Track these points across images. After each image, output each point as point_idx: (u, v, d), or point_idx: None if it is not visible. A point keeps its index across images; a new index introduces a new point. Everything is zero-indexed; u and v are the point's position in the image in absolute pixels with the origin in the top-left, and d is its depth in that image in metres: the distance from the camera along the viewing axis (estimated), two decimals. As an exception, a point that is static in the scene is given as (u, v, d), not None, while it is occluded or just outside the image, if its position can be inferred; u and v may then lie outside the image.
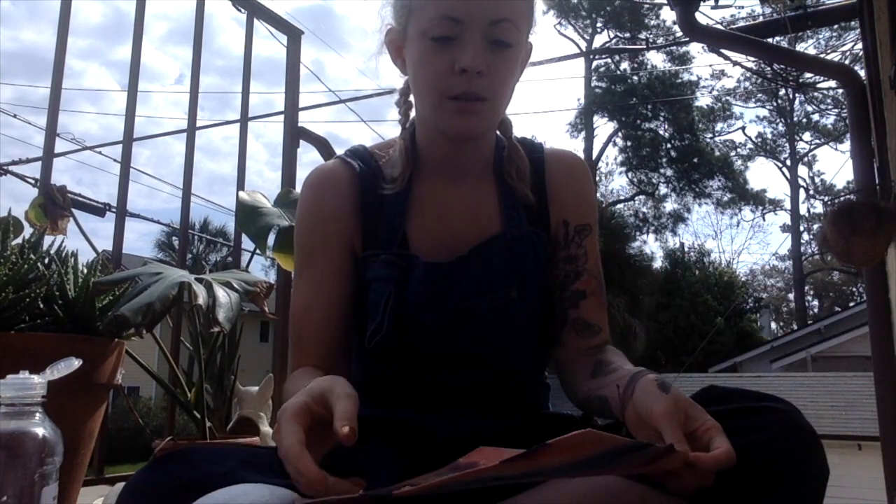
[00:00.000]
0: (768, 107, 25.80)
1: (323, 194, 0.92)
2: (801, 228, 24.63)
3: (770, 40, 3.50)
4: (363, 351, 0.89)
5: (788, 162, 25.73)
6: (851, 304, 21.30)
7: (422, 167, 0.93)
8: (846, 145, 18.32)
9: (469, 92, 0.82)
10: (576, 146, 24.23)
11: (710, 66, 25.34)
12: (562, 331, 0.91)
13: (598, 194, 21.14)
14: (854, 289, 26.91)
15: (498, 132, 0.96)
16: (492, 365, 0.87)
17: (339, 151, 0.98)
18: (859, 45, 2.96)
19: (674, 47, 23.05)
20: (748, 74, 21.33)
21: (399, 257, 0.87)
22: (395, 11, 0.90)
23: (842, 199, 2.12)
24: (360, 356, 0.92)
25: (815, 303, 29.73)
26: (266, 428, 1.62)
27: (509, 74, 0.86)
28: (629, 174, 24.87)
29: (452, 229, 0.90)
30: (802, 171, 25.93)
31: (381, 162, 0.94)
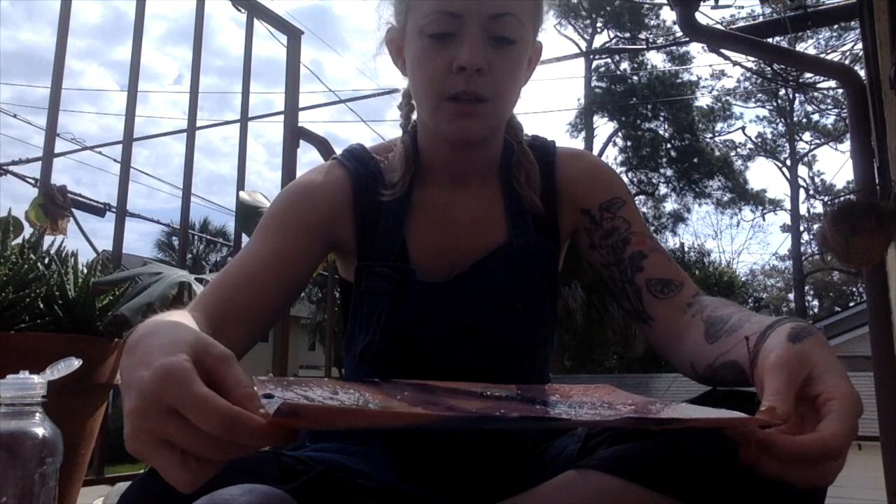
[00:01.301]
0: (768, 107, 25.80)
1: (317, 182, 0.86)
2: (801, 228, 24.62)
3: (770, 40, 3.50)
4: (357, 362, 0.84)
5: (788, 162, 25.72)
6: (851, 304, 21.28)
7: (423, 172, 0.88)
8: (846, 145, 18.30)
9: (468, 91, 0.77)
10: (576, 146, 24.17)
11: (710, 66, 25.36)
12: (641, 304, 0.81)
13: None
14: (854, 289, 26.90)
15: (507, 136, 0.91)
16: (494, 376, 0.82)
17: (339, 152, 0.95)
18: (859, 45, 2.96)
19: (674, 47, 23.04)
20: (748, 74, 21.34)
21: (395, 270, 0.83)
22: (393, 9, 0.87)
23: (842, 199, 2.12)
24: (354, 366, 0.87)
25: (815, 303, 29.73)
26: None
27: (513, 73, 0.81)
28: (629, 174, 24.85)
29: (454, 238, 0.86)
30: (802, 171, 25.95)
31: (381, 165, 0.89)
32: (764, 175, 66.41)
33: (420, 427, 0.49)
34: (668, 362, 0.81)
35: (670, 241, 25.05)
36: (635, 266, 0.83)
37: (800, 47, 18.17)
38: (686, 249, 24.71)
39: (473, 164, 0.88)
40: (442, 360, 0.82)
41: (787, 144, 26.04)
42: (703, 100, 25.08)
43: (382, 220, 0.85)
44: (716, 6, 3.62)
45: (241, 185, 2.03)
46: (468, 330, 0.83)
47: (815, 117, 24.86)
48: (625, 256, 0.84)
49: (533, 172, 0.89)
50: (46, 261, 1.34)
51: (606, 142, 24.68)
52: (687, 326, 0.76)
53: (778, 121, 26.09)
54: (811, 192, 25.40)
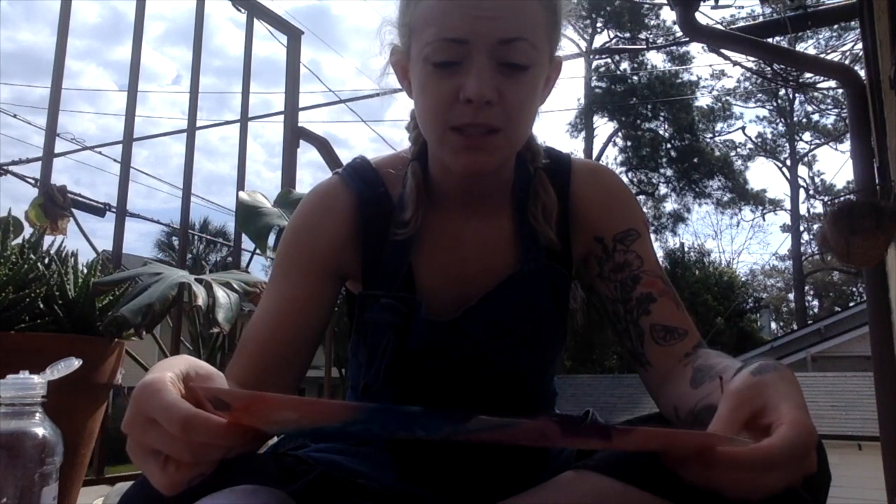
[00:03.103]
0: (768, 107, 25.78)
1: (319, 214, 0.85)
2: (801, 228, 24.61)
3: (770, 40, 3.51)
4: (361, 396, 0.84)
5: (788, 162, 25.72)
6: (851, 304, 21.28)
7: (432, 195, 0.85)
8: (846, 145, 18.30)
9: (476, 123, 0.72)
10: (576, 146, 24.21)
11: (710, 66, 25.34)
12: (642, 348, 0.80)
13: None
14: (854, 289, 26.88)
15: (524, 158, 0.87)
16: (499, 398, 0.83)
17: (339, 152, 0.95)
18: (859, 45, 2.97)
19: (674, 47, 23.03)
20: (748, 74, 21.33)
21: (401, 301, 0.80)
22: (397, 30, 0.83)
23: (842, 199, 2.12)
24: (357, 397, 0.86)
25: (815, 303, 29.70)
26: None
27: (526, 100, 0.75)
28: (629, 174, 24.84)
29: (463, 265, 0.84)
30: (802, 171, 25.93)
31: (386, 181, 0.86)
32: (764, 175, 66.42)
33: (340, 426, 0.53)
34: (658, 406, 0.80)
35: (670, 241, 25.10)
36: (642, 308, 0.80)
37: (800, 47, 18.18)
38: (686, 249, 24.70)
39: (484, 189, 0.85)
40: (449, 387, 0.82)
41: (787, 144, 26.04)
42: (703, 100, 25.09)
43: (388, 245, 0.83)
44: (716, 6, 3.63)
45: (240, 185, 2.03)
46: (474, 360, 0.81)
47: (815, 117, 24.87)
48: (633, 296, 0.81)
49: (550, 205, 0.85)
50: (46, 261, 1.34)
51: (606, 142, 24.70)
52: (678, 374, 0.75)
53: (778, 121, 26.08)
54: (811, 192, 25.41)
